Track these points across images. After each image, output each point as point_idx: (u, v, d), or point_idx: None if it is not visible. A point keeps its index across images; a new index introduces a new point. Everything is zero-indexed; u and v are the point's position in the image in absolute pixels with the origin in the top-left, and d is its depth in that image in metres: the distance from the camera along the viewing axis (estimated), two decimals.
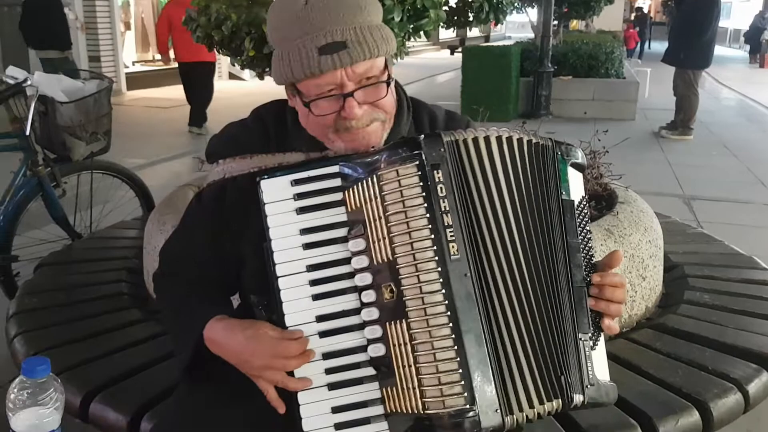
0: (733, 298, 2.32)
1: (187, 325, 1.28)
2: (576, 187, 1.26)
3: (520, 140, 1.20)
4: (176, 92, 12.32)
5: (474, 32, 25.86)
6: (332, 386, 1.14)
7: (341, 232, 1.16)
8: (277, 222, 1.17)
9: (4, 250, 3.18)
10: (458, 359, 1.07)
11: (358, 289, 1.14)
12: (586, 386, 1.16)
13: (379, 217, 1.12)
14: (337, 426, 1.14)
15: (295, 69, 1.19)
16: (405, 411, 1.10)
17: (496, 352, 1.11)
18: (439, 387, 1.07)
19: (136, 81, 12.57)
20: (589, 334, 1.19)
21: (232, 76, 14.27)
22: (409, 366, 1.08)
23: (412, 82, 14.39)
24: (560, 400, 1.13)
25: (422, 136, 1.13)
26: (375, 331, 1.13)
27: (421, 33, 2.79)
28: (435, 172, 1.11)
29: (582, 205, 1.27)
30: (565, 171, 1.24)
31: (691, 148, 8.10)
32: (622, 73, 11.00)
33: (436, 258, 1.09)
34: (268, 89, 2.67)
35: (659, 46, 22.68)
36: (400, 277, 1.09)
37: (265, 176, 1.19)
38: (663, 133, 8.74)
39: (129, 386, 1.80)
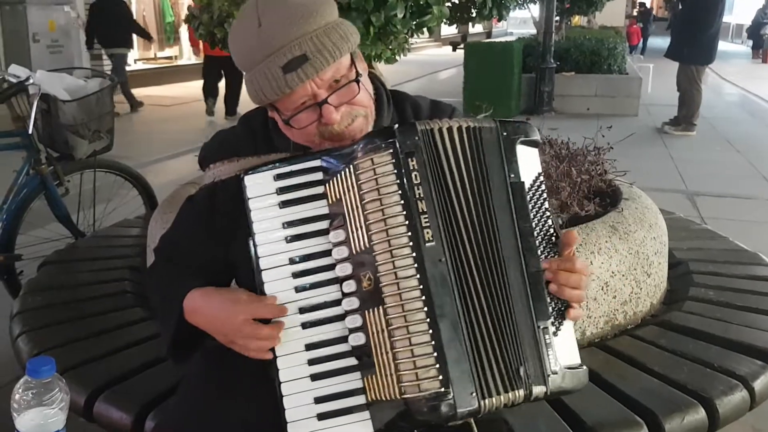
0: (738, 294, 2.31)
1: (170, 299, 1.30)
2: (528, 166, 1.22)
3: (460, 128, 1.18)
4: (178, 90, 12.36)
5: (476, 28, 25.83)
6: (315, 377, 1.16)
7: (323, 224, 1.18)
8: (261, 216, 1.19)
9: (7, 249, 3.18)
10: (433, 342, 1.08)
11: (340, 280, 1.16)
12: (548, 375, 1.14)
13: (357, 207, 1.13)
14: (320, 416, 1.15)
15: (266, 92, 1.21)
16: (385, 398, 1.11)
17: (473, 336, 1.11)
18: (415, 371, 1.08)
19: (137, 79, 12.56)
20: (551, 320, 1.17)
21: None
22: (387, 352, 1.10)
23: (413, 79, 14.38)
24: (522, 390, 1.13)
25: (396, 125, 1.14)
26: (355, 321, 1.14)
27: (424, 29, 2.78)
28: (409, 159, 1.12)
29: (536, 185, 1.23)
30: (512, 151, 1.20)
31: (694, 144, 8.08)
32: (625, 69, 10.98)
33: (411, 244, 1.10)
34: None
35: (661, 42, 22.62)
36: (376, 263, 1.11)
37: (249, 172, 1.21)
38: (666, 129, 8.73)
39: (133, 385, 1.80)
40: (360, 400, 1.15)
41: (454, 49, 19.41)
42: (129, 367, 1.88)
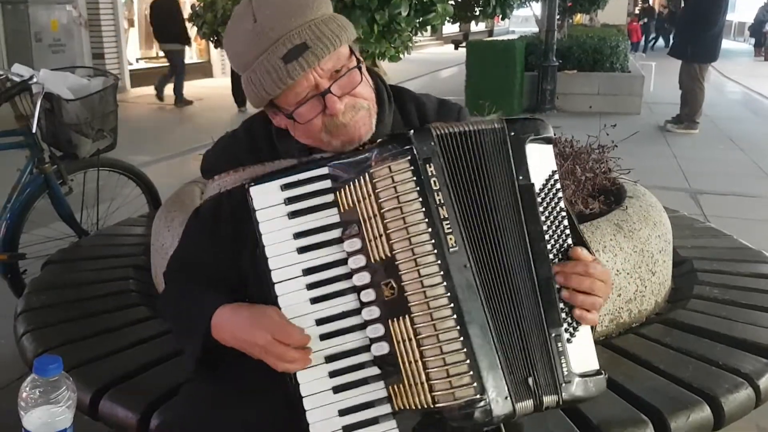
0: (742, 292, 2.31)
1: (192, 315, 1.28)
2: (541, 164, 1.19)
3: (470, 132, 1.16)
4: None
5: (478, 27, 25.79)
6: (337, 389, 1.14)
7: (335, 233, 1.16)
8: (270, 228, 1.17)
9: (11, 248, 3.18)
10: (465, 350, 1.07)
11: (357, 289, 1.14)
12: (560, 384, 1.14)
13: (374, 215, 1.11)
14: (346, 429, 1.13)
15: (267, 86, 1.19)
16: (413, 407, 1.10)
17: (501, 340, 1.11)
18: (448, 379, 1.07)
19: (140, 78, 12.57)
20: (564, 327, 1.16)
21: None
22: (416, 361, 1.09)
23: (416, 77, 14.36)
24: (531, 401, 1.12)
25: (412, 131, 1.13)
26: (377, 330, 1.12)
27: (428, 27, 2.78)
28: (427, 165, 1.11)
29: (550, 184, 1.19)
30: (521, 152, 1.18)
31: (696, 142, 8.07)
32: (627, 67, 10.97)
33: (435, 251, 1.09)
34: None
35: (661, 41, 22.56)
36: (399, 272, 1.09)
37: (254, 183, 1.18)
38: (668, 127, 8.72)
39: (138, 383, 1.80)
40: (385, 409, 1.13)
41: (456, 48, 19.42)
42: (134, 365, 1.88)
